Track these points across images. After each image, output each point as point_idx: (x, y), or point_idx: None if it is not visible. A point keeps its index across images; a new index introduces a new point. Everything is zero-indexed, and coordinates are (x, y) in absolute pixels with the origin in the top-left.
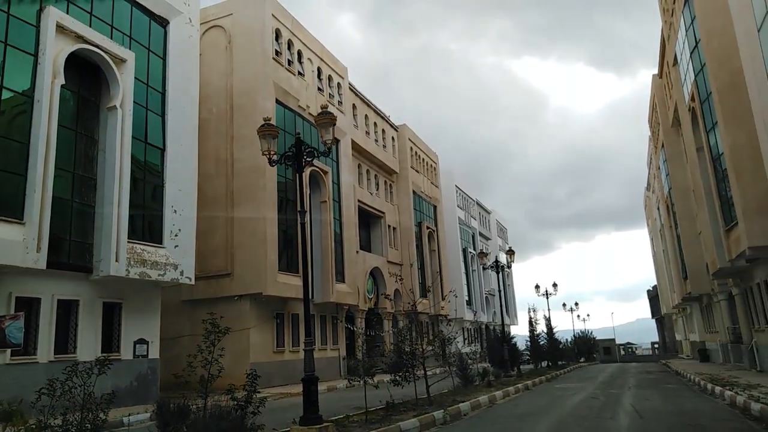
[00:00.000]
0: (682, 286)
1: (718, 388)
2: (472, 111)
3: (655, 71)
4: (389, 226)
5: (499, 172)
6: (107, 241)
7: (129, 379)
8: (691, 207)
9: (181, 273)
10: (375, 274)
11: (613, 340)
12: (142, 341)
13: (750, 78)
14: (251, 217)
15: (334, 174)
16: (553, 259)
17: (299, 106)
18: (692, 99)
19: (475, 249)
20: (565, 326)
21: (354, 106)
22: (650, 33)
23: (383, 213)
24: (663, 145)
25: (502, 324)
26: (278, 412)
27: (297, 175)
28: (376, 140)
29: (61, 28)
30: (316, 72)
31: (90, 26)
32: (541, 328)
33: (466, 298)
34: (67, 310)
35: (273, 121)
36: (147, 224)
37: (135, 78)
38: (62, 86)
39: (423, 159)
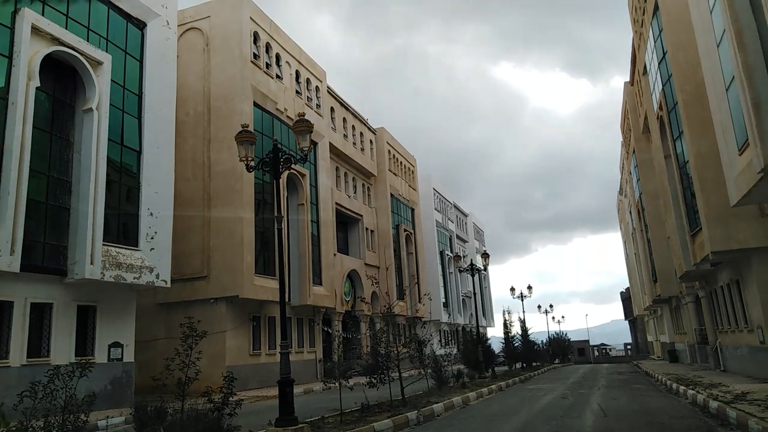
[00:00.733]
0: (653, 288)
1: (682, 388)
2: (450, 114)
3: (628, 79)
4: (367, 228)
5: (476, 174)
6: (82, 243)
7: (103, 383)
8: (661, 212)
9: (157, 276)
10: (352, 277)
11: (587, 341)
12: (116, 344)
13: (710, 91)
14: (228, 220)
15: (311, 177)
16: (529, 262)
17: (277, 109)
18: (660, 108)
19: (452, 251)
20: (540, 328)
21: (332, 109)
22: (624, 41)
23: (361, 215)
24: (634, 151)
25: (477, 326)
26: (254, 414)
27: (275, 180)
28: (354, 143)
29: (36, 30)
30: (294, 75)
31: (66, 28)
32: (516, 329)
33: (443, 300)
34: (40, 314)
35: (251, 124)
36: (123, 227)
37: (111, 80)
38: (37, 88)
39: (401, 162)
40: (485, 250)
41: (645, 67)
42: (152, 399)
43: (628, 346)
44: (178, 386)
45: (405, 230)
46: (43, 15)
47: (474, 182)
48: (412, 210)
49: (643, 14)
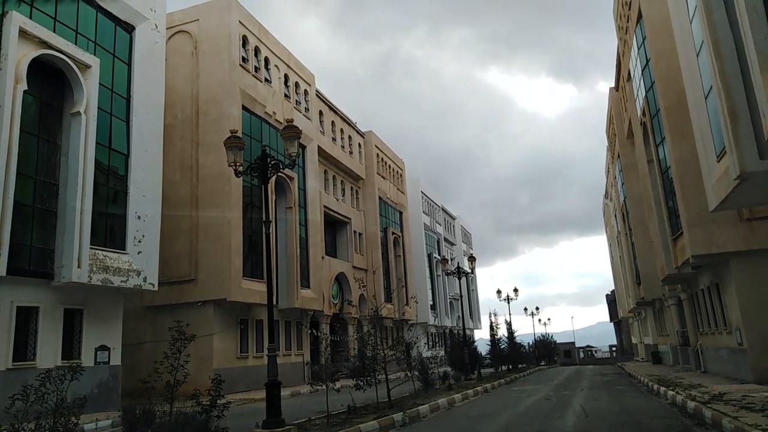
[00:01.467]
0: (637, 291)
1: (662, 389)
2: (437, 118)
3: (613, 84)
4: (355, 231)
5: (463, 178)
6: (69, 247)
7: (90, 386)
8: (644, 216)
9: (144, 279)
10: (340, 280)
11: (573, 343)
12: (103, 348)
13: (690, 99)
14: (216, 223)
15: (300, 180)
16: (516, 264)
17: (266, 112)
18: (644, 114)
19: (440, 254)
20: (526, 330)
21: (321, 113)
22: (607, 47)
23: (349, 219)
24: (619, 156)
25: (464, 328)
26: (242, 417)
27: (263, 185)
28: (343, 146)
29: (24, 33)
30: (283, 79)
31: (54, 32)
32: (502, 332)
33: (431, 302)
34: (26, 317)
35: (239, 128)
36: (110, 230)
37: (99, 84)
38: (25, 92)
39: (389, 165)
40: (472, 253)
41: (629, 73)
42: (139, 402)
43: (613, 348)
44: (166, 389)
45: (393, 233)
46: (30, 18)
47: (461, 185)
48: (400, 213)
49: (627, 22)
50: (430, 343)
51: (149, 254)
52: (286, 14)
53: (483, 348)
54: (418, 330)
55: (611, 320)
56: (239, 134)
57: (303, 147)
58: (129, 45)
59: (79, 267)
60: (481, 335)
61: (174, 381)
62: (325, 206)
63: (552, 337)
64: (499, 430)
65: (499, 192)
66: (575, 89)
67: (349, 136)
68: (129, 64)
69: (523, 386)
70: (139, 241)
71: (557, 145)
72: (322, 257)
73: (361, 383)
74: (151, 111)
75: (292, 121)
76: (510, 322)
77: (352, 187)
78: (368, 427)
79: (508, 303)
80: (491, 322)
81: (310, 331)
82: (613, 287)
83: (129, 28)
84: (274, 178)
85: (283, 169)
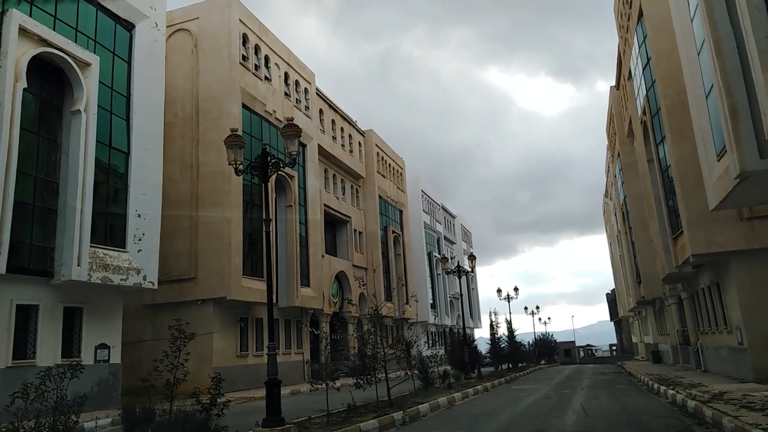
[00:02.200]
0: (637, 290)
1: (662, 388)
2: (437, 117)
3: (612, 84)
4: (355, 230)
5: (463, 177)
6: (69, 245)
7: (90, 385)
8: (644, 215)
9: (144, 278)
10: (340, 278)
11: (573, 342)
12: (103, 346)
13: (691, 98)
14: (216, 221)
15: (300, 178)
16: (516, 263)
17: (266, 111)
18: (644, 113)
19: (440, 253)
20: (527, 329)
21: (321, 111)
22: (606, 47)
23: (349, 217)
24: (619, 155)
25: (464, 327)
26: (242, 415)
27: (263, 183)
28: (343, 145)
29: (24, 31)
30: (283, 77)
31: (54, 30)
32: (502, 331)
33: (431, 301)
34: (26, 315)
35: (239, 126)
36: (110, 228)
37: (99, 82)
38: (25, 89)
39: (389, 164)
40: (472, 252)
41: (630, 72)
42: (139, 400)
43: (614, 347)
44: (166, 387)
45: (393, 232)
46: (30, 16)
47: (461, 184)
48: (401, 212)
49: (629, 20)
50: (430, 341)
51: (149, 252)
52: (285, 13)
53: (483, 347)
54: (418, 329)
55: (611, 319)
56: (239, 132)
57: (303, 145)
58: (129, 43)
59: (79, 265)
60: (481, 334)
61: (174, 379)
62: (325, 205)
63: (552, 336)
64: (500, 428)
65: (499, 191)
66: (574, 89)
67: (350, 135)
68: (129, 62)
69: (523, 385)
70: (139, 240)
71: (557, 145)
72: (322, 256)
73: (361, 382)
74: (151, 109)
75: (292, 119)
76: (510, 321)
77: (352, 186)
78: (368, 426)
79: (509, 302)
80: (491, 321)
81: (310, 330)
82: (613, 286)
83: (129, 26)
84: (274, 176)
85: (284, 167)
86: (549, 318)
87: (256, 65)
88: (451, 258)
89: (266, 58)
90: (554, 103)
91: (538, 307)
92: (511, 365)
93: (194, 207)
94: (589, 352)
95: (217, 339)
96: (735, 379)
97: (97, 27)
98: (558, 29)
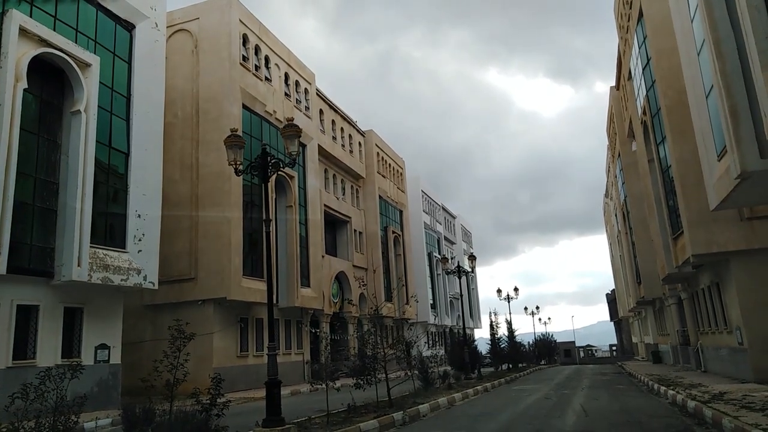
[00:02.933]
0: (637, 290)
1: (662, 388)
2: (436, 117)
3: (611, 84)
4: (355, 230)
5: (463, 177)
6: (69, 245)
7: (90, 385)
8: (645, 215)
9: (144, 278)
10: (340, 279)
11: (573, 342)
12: (103, 346)
13: (691, 99)
14: (216, 221)
15: (300, 178)
16: (516, 263)
17: (266, 111)
18: (644, 113)
19: (440, 253)
20: (527, 329)
21: (321, 111)
22: (605, 49)
23: (349, 217)
24: (619, 155)
25: (464, 327)
26: (242, 415)
27: (263, 183)
28: (343, 145)
29: (24, 32)
30: (283, 77)
31: (54, 30)
32: (502, 331)
33: (431, 301)
34: (26, 315)
35: (239, 127)
36: (110, 229)
37: (100, 82)
38: (25, 90)
39: (389, 164)
40: (472, 252)
41: (630, 72)
42: (139, 401)
43: (614, 348)
44: (166, 388)
45: (393, 232)
46: (31, 16)
47: (461, 185)
48: (401, 212)
49: (629, 21)
50: (430, 342)
51: (149, 253)
52: (284, 15)
53: (483, 347)
54: (418, 329)
55: (611, 319)
56: (239, 133)
57: (303, 146)
58: (129, 43)
59: (79, 265)
60: (481, 334)
61: (174, 379)
62: (325, 205)
63: (552, 336)
64: (500, 428)
65: (499, 191)
66: (572, 90)
67: (350, 135)
68: (129, 63)
69: (523, 385)
70: (139, 240)
71: (556, 145)
72: (323, 256)
73: (361, 382)
74: (151, 110)
75: (292, 119)
76: (510, 321)
77: (352, 186)
78: (368, 426)
79: (509, 302)
80: (491, 321)
81: (310, 330)
82: (613, 286)
83: (129, 27)
84: (274, 176)
85: (284, 167)
86: (549, 318)
87: (256, 66)
88: (451, 258)
89: (266, 59)
90: (553, 104)
91: (538, 308)
92: (511, 365)
93: (194, 207)
94: (589, 352)
95: (217, 339)
96: (735, 380)
97: (98, 27)
98: (556, 31)
